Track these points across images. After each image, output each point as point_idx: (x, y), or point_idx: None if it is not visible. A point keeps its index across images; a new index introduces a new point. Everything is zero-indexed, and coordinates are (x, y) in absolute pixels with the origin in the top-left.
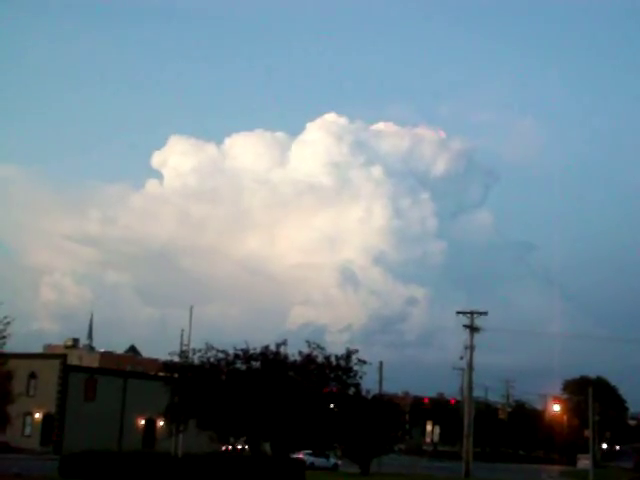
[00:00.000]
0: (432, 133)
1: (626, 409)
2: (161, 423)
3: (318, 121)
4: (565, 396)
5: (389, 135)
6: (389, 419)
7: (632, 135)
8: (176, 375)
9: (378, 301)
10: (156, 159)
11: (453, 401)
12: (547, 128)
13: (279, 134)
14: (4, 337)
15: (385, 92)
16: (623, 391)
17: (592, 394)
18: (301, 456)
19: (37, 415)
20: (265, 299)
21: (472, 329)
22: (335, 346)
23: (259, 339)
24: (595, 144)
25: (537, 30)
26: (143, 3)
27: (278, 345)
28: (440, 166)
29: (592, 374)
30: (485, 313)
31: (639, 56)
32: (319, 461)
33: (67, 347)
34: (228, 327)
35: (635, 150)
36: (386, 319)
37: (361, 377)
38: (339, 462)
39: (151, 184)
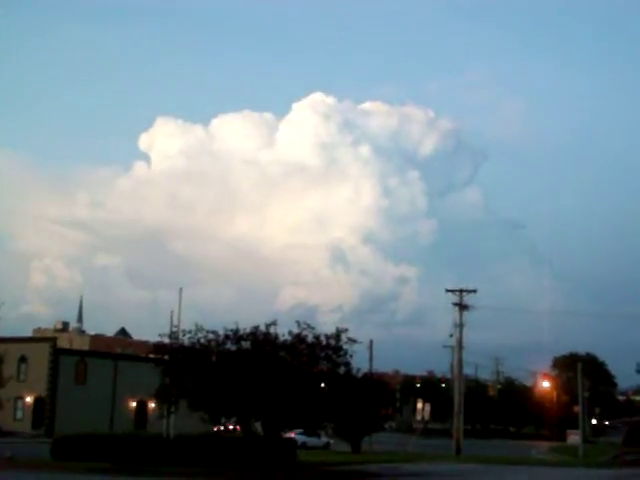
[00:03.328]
0: (421, 112)
1: (615, 385)
2: (152, 405)
3: (305, 101)
4: (555, 372)
5: (377, 114)
6: (379, 397)
7: (622, 113)
8: (166, 357)
9: (368, 281)
10: (143, 141)
11: (444, 379)
12: (536, 107)
13: (266, 114)
14: None
15: (373, 71)
16: (612, 367)
17: (581, 370)
18: (292, 435)
19: (28, 399)
20: (255, 280)
21: (461, 307)
22: (327, 326)
23: (250, 320)
24: (584, 123)
25: (525, 9)
26: None
27: (268, 325)
28: (429, 145)
29: (581, 350)
30: (474, 291)
31: (628, 33)
32: (311, 440)
33: (57, 330)
34: (219, 308)
35: (625, 127)
36: (377, 298)
37: (351, 356)
38: (330, 441)
39: (139, 166)
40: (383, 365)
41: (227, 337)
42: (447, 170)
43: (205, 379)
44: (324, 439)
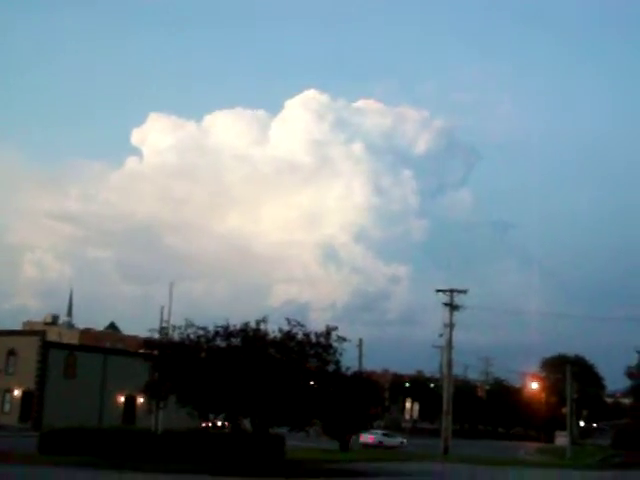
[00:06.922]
0: (415, 111)
1: (603, 387)
2: (141, 400)
3: (298, 98)
4: (543, 374)
5: (371, 113)
6: (368, 396)
7: (616, 113)
8: (156, 352)
9: (360, 279)
10: (136, 136)
11: (433, 379)
12: (529, 107)
13: (259, 112)
14: None
15: (367, 69)
16: (600, 369)
17: (570, 372)
18: (372, 437)
19: (16, 392)
20: (248, 276)
21: (452, 307)
22: (318, 324)
23: (241, 316)
24: (578, 122)
25: (520, 7)
26: None
27: (258, 322)
28: (422, 144)
29: (570, 352)
30: (465, 291)
31: (629, 29)
32: (388, 440)
33: (46, 324)
34: (210, 304)
35: (618, 129)
36: (368, 297)
37: (341, 354)
38: (404, 441)
39: (131, 161)
40: (372, 364)
41: (217, 333)
42: (440, 169)
43: (194, 375)
44: (399, 439)
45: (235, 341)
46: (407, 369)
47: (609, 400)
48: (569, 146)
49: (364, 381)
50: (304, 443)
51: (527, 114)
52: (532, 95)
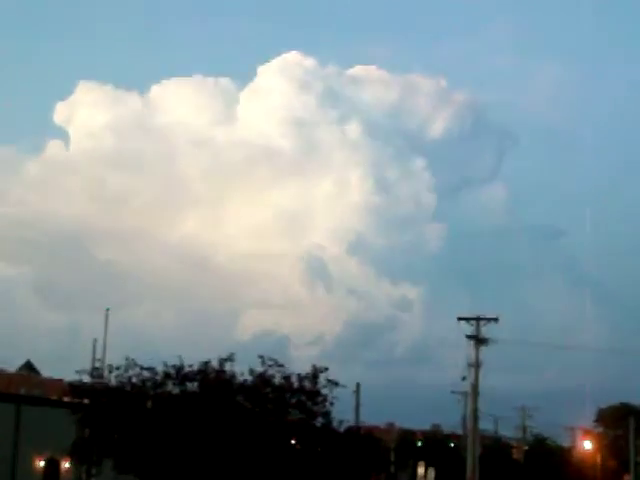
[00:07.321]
0: (429, 81)
1: None
2: (67, 465)
3: (275, 63)
4: (599, 429)
5: (372, 83)
6: (368, 458)
7: None
8: (86, 401)
9: (357, 304)
10: (60, 113)
11: (453, 436)
12: (582, 77)
13: (223, 80)
14: None
15: (367, 26)
16: None
17: (635, 427)
18: None
19: None
20: (208, 300)
21: (478, 340)
22: (302, 363)
23: (200, 353)
24: None
25: None
26: None
27: (222, 361)
28: (439, 125)
29: (635, 401)
30: (496, 319)
31: None
32: None
33: None
34: (159, 337)
35: None
36: (367, 328)
37: (332, 403)
38: None
39: (53, 146)
40: (374, 416)
41: (168, 376)
42: (462, 158)
43: (137, 431)
44: None
45: (192, 386)
46: (419, 423)
47: None
48: (636, 126)
49: (362, 439)
50: None
51: (583, 86)
52: (591, 61)
